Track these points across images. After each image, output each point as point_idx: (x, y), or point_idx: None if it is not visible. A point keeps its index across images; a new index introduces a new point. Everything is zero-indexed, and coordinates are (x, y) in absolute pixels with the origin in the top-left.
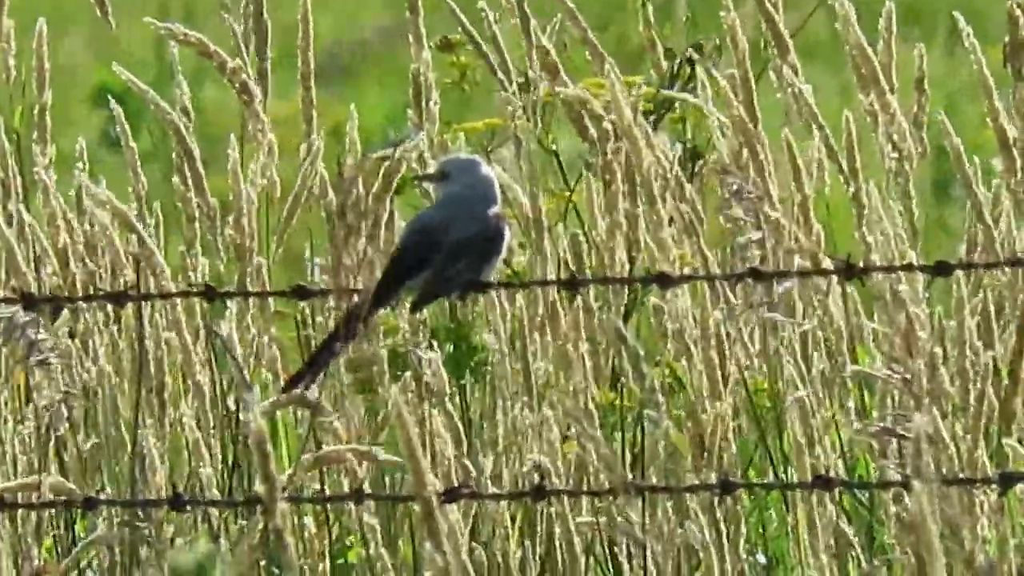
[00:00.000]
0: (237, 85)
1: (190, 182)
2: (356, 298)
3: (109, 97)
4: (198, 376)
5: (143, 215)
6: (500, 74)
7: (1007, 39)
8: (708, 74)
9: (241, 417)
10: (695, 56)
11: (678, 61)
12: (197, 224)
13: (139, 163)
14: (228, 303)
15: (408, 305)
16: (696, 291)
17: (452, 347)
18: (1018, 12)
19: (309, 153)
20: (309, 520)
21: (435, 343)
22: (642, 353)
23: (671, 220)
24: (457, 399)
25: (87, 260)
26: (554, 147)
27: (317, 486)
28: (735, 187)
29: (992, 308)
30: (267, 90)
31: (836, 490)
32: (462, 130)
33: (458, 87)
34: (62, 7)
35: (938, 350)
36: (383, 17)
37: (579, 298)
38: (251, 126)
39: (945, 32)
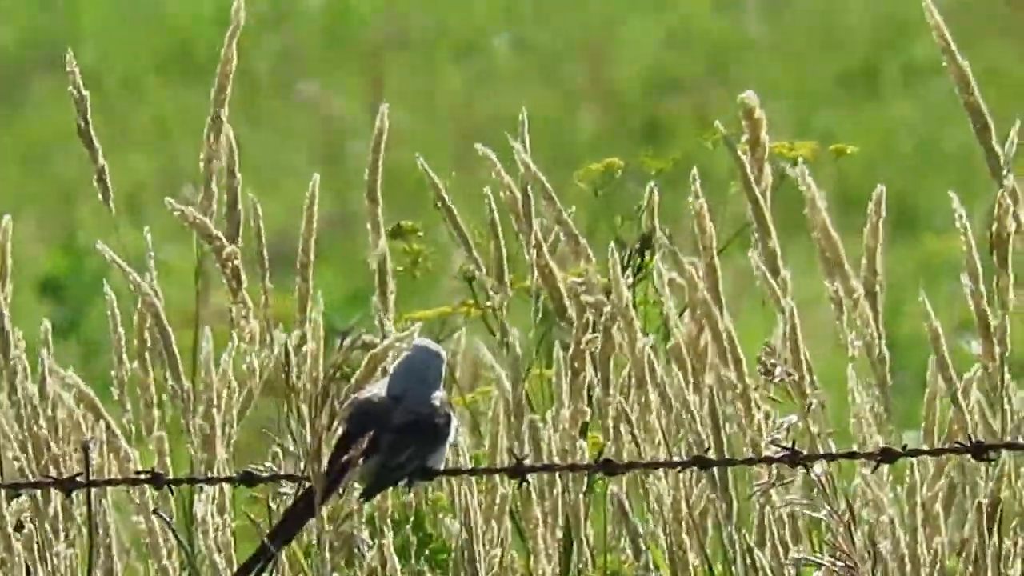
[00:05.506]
0: (229, 271)
1: (154, 367)
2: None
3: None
4: (164, 561)
5: (122, 400)
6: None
7: (993, 228)
8: (666, 260)
9: None
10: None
11: (628, 251)
12: (155, 410)
13: (124, 349)
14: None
15: (356, 493)
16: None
17: (409, 535)
18: (1008, 201)
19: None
20: None
21: (387, 528)
22: (640, 531)
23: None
24: None
25: (54, 445)
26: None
27: None
28: (776, 369)
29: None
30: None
31: None
32: (414, 319)
33: (410, 274)
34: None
35: (889, 540)
36: (331, 205)
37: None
38: (235, 312)
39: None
